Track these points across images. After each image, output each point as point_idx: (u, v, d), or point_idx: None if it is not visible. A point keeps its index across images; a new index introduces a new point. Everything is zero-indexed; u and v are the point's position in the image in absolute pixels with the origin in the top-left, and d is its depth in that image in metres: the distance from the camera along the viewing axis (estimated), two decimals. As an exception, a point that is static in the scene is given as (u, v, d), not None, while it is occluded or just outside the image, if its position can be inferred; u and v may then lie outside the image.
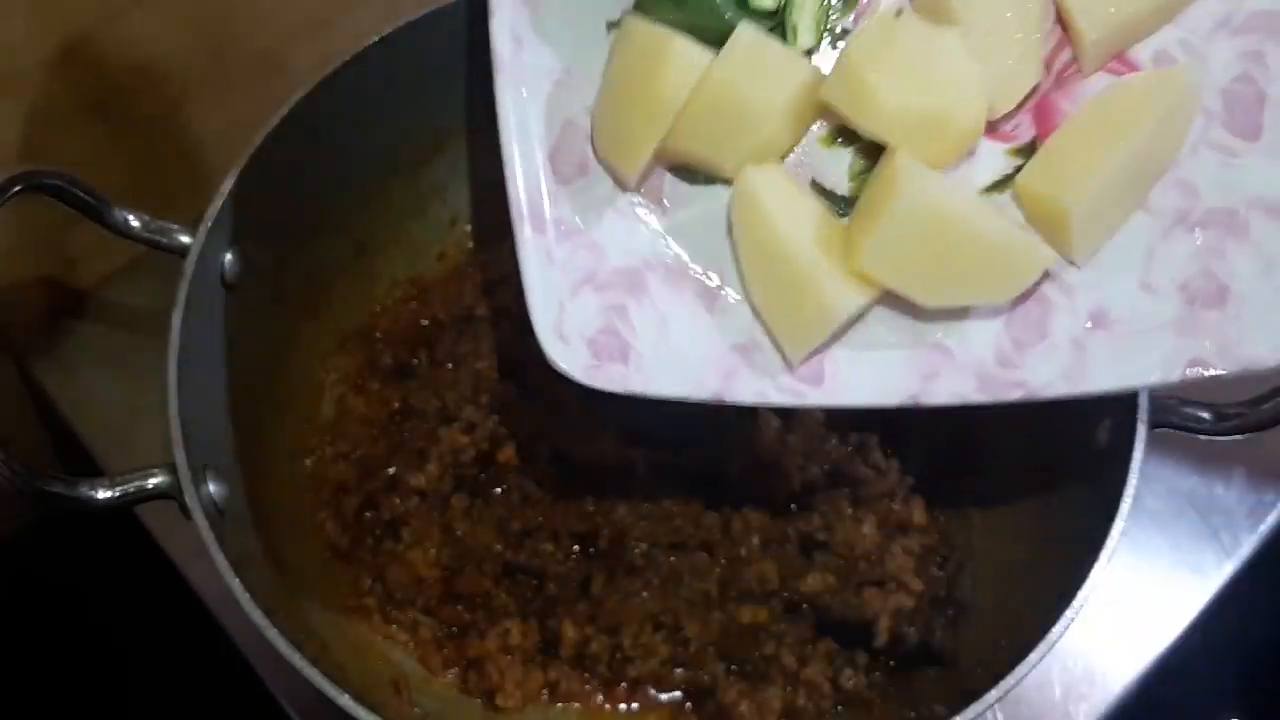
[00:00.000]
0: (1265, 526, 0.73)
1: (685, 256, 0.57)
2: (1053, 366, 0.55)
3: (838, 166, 0.56)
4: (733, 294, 0.57)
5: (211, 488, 0.58)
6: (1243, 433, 0.60)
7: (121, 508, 0.58)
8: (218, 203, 0.62)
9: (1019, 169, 0.56)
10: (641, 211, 0.57)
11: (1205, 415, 0.60)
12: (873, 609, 0.64)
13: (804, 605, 0.65)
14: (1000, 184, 0.56)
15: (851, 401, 0.56)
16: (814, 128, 0.57)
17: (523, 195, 0.55)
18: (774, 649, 0.64)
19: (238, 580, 0.54)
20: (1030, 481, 0.66)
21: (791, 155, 0.57)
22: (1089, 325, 0.55)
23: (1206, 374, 0.54)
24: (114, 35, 0.68)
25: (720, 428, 0.70)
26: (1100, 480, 0.59)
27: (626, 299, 0.56)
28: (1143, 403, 0.59)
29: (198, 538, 0.55)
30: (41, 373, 0.76)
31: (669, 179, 0.57)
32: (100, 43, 0.68)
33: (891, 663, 0.64)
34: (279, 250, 0.68)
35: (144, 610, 0.81)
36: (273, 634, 0.53)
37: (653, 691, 0.65)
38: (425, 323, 0.74)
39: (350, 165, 0.71)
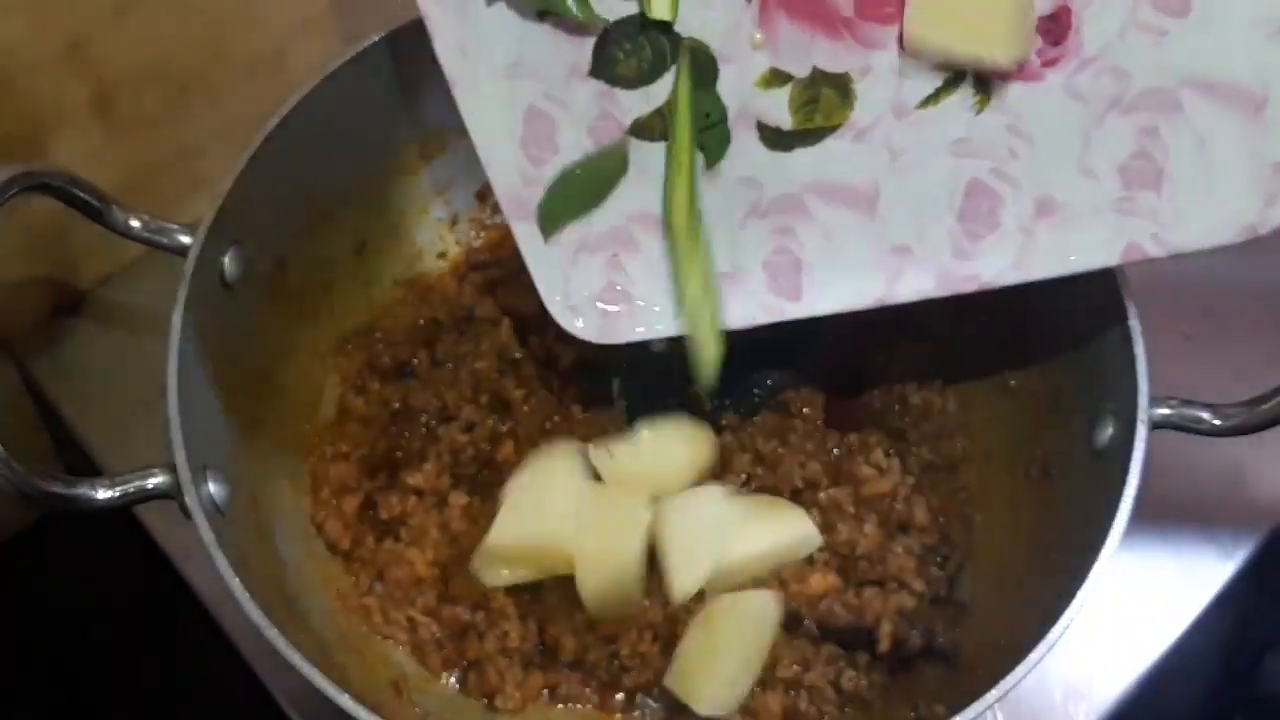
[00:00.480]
0: (1265, 527, 0.73)
1: (660, 203, 0.62)
2: (1003, 256, 0.60)
3: (778, 104, 0.60)
4: (707, 227, 0.62)
5: (211, 488, 0.58)
6: (1243, 433, 0.60)
7: (121, 508, 0.58)
8: (217, 203, 0.62)
9: (949, 81, 0.59)
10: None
11: (1205, 415, 0.60)
12: (874, 612, 0.64)
13: (805, 620, 0.65)
14: (933, 97, 0.59)
15: (828, 310, 0.63)
16: (751, 72, 0.60)
17: (508, 189, 0.61)
18: (772, 659, 0.64)
19: (238, 580, 0.54)
20: (1030, 481, 0.66)
21: (733, 102, 0.60)
22: (1035, 213, 0.59)
23: (1143, 257, 0.59)
24: (114, 35, 0.68)
25: (718, 427, 0.71)
26: (1100, 480, 0.59)
27: (619, 250, 0.63)
28: (1143, 403, 0.59)
29: (198, 538, 0.55)
30: (41, 373, 0.76)
31: (633, 142, 0.61)
32: (100, 43, 0.68)
33: (892, 663, 0.64)
34: (279, 250, 0.68)
35: (144, 610, 0.81)
36: (273, 634, 0.53)
37: (651, 699, 0.65)
38: (425, 323, 0.74)
39: (350, 165, 0.71)
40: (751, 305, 0.63)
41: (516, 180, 0.61)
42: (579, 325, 0.63)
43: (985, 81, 0.59)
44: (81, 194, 0.61)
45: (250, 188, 0.63)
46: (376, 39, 0.66)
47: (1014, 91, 0.58)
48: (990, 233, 0.60)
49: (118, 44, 0.69)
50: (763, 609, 0.64)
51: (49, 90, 0.68)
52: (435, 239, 0.77)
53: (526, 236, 0.62)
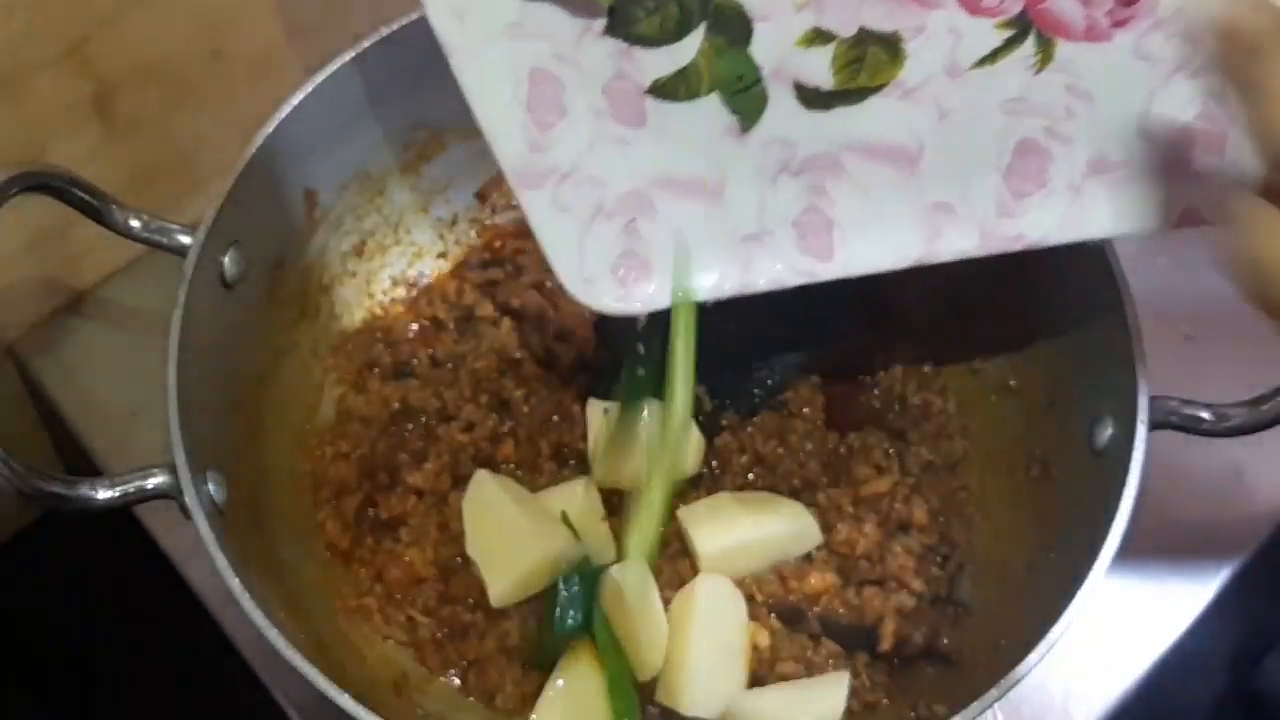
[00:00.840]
0: (1265, 527, 0.73)
1: (682, 163, 0.59)
2: (1051, 215, 0.58)
3: (819, 64, 0.57)
4: (734, 187, 0.59)
5: (211, 488, 0.58)
6: (1243, 433, 0.60)
7: (121, 508, 0.58)
8: (217, 202, 0.62)
9: (1010, 40, 0.56)
10: (631, 134, 0.58)
11: (1205, 415, 0.60)
12: (874, 612, 0.64)
13: (806, 616, 0.65)
14: (990, 57, 0.57)
15: (862, 270, 0.60)
16: (790, 31, 0.57)
17: (513, 159, 0.57)
18: (772, 656, 0.64)
19: (238, 580, 0.54)
20: (1030, 482, 0.66)
21: (768, 61, 0.57)
22: (1086, 171, 0.58)
23: (1199, 223, 0.56)
24: (114, 35, 0.68)
25: (718, 427, 0.71)
26: (1100, 481, 0.59)
27: (636, 215, 0.59)
28: (1143, 403, 0.59)
29: (198, 538, 0.55)
30: (41, 373, 0.76)
31: (650, 101, 0.58)
32: (100, 43, 0.68)
33: (894, 662, 0.64)
34: (279, 250, 0.68)
35: (144, 610, 0.81)
36: (273, 634, 0.53)
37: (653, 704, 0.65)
38: (425, 323, 0.74)
39: (349, 165, 0.71)
40: (779, 266, 0.60)
41: (522, 148, 0.58)
42: (594, 297, 0.60)
43: (1048, 41, 0.56)
44: (81, 194, 0.61)
45: (250, 188, 0.63)
46: (376, 38, 0.66)
47: (1078, 51, 0.56)
48: (1038, 190, 0.58)
49: (118, 44, 0.69)
50: (718, 592, 0.64)
51: (49, 90, 0.68)
52: (435, 239, 0.77)
53: (536, 207, 0.58)
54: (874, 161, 0.59)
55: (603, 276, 0.60)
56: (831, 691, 0.62)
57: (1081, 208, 0.58)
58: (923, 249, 0.60)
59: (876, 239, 0.60)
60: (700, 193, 0.59)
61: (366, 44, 0.66)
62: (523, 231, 0.76)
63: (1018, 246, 0.59)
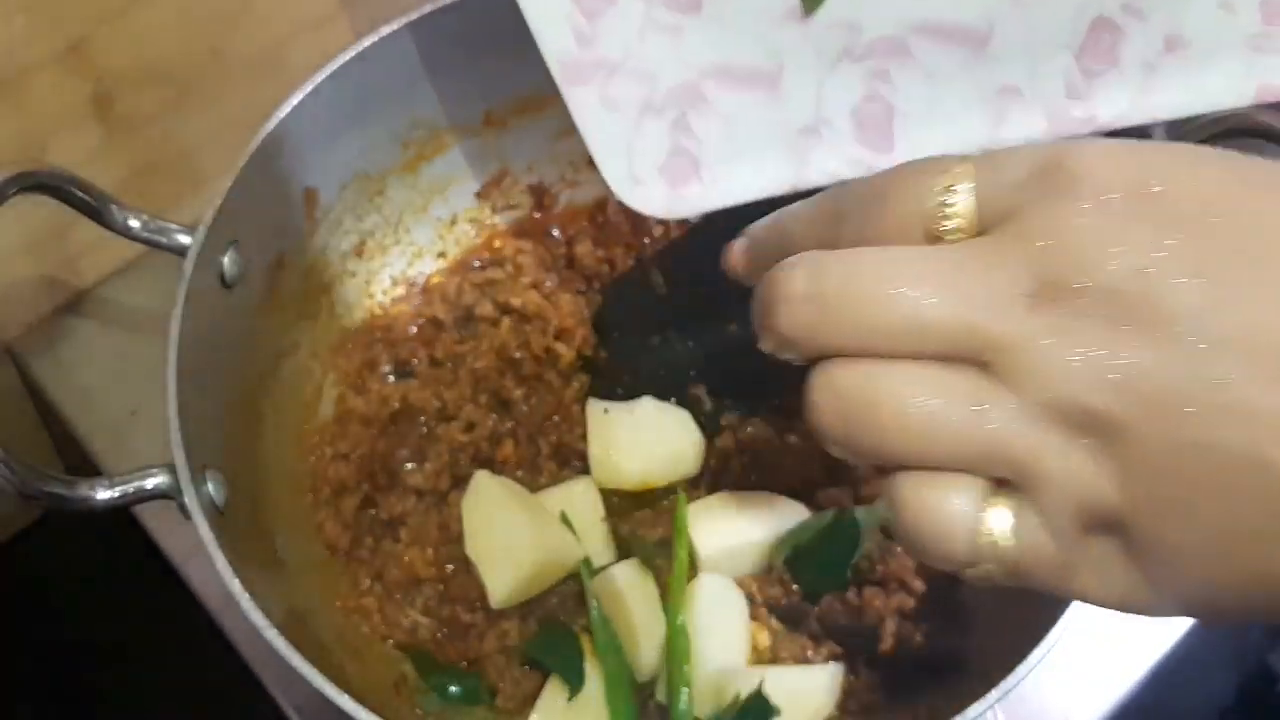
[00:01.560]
0: (1266, 526, 0.73)
1: (737, 51, 0.56)
2: (1122, 95, 0.56)
3: None
4: (791, 76, 0.56)
5: (211, 488, 0.58)
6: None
7: (121, 508, 0.58)
8: (217, 202, 0.62)
9: None
10: (684, 22, 0.55)
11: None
12: (875, 612, 0.64)
13: (806, 616, 0.65)
14: None
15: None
16: None
17: (559, 53, 0.54)
18: (772, 656, 0.64)
19: (237, 580, 0.54)
20: (1031, 481, 0.66)
21: None
22: (1162, 48, 0.55)
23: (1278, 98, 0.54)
24: (114, 35, 0.68)
25: (718, 427, 0.71)
26: (1101, 480, 0.58)
27: (686, 109, 0.56)
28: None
29: (198, 538, 0.55)
30: (41, 373, 0.76)
31: None
32: (100, 43, 0.68)
33: (894, 663, 0.64)
34: (279, 250, 0.68)
35: (144, 610, 0.81)
36: (272, 634, 0.53)
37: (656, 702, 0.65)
38: (425, 322, 0.74)
39: (349, 164, 0.71)
40: (835, 159, 0.57)
41: (569, 41, 0.54)
42: (643, 200, 0.57)
43: None
44: (81, 194, 0.61)
45: (250, 187, 0.63)
46: (376, 38, 0.66)
47: None
48: (1109, 69, 0.55)
49: (118, 44, 0.69)
50: (718, 592, 0.64)
51: (49, 90, 0.68)
52: (435, 239, 0.77)
53: (583, 105, 0.55)
54: (942, 43, 0.56)
55: (651, 176, 0.56)
56: (822, 682, 0.62)
57: (1153, 88, 0.55)
58: (989, 133, 0.57)
59: (940, 126, 0.57)
60: (755, 83, 0.56)
61: (366, 44, 0.66)
62: (523, 231, 0.77)
63: (1087, 129, 0.57)
